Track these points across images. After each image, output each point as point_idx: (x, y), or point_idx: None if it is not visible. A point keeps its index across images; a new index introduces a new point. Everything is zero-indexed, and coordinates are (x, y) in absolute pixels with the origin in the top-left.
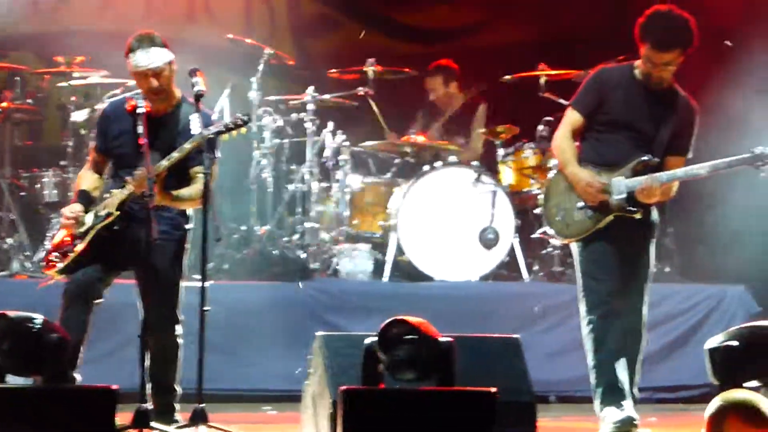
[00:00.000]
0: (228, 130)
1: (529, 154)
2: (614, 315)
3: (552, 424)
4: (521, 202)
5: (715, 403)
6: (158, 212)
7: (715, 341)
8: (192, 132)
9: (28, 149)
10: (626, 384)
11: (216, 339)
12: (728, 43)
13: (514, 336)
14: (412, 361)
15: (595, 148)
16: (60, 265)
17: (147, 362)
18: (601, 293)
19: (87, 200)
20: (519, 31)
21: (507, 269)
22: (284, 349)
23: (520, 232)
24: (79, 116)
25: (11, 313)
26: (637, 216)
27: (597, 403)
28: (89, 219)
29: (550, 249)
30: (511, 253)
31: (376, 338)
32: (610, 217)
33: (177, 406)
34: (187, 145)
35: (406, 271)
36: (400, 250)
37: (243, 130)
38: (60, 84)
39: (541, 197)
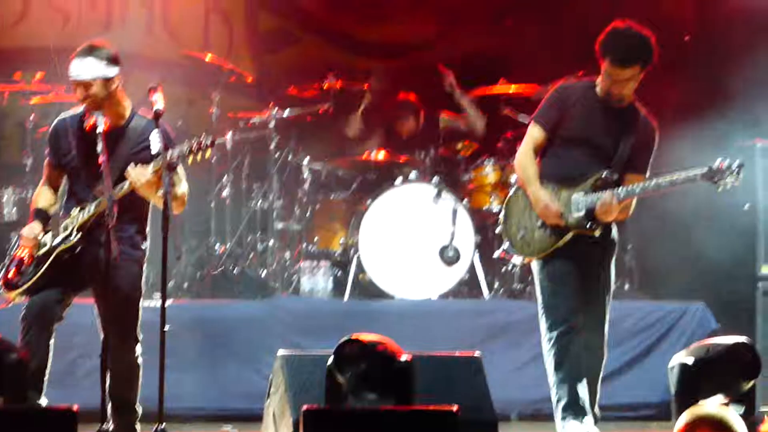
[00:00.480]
0: (191, 153)
1: (489, 171)
2: (575, 332)
3: None
4: (481, 219)
5: (685, 417)
6: (117, 231)
7: (676, 359)
8: (151, 150)
9: None
10: (587, 402)
11: (177, 358)
12: (686, 38)
13: (476, 354)
14: (368, 380)
15: (555, 164)
16: (20, 287)
17: (108, 381)
18: (562, 311)
19: (44, 219)
20: (476, 45)
21: (467, 286)
22: (245, 368)
23: (480, 249)
24: None
25: None
26: (597, 233)
27: (558, 419)
28: (48, 239)
29: (510, 266)
30: (472, 270)
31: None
32: (570, 235)
33: (138, 425)
34: (151, 169)
35: (366, 289)
36: (360, 268)
37: (207, 152)
38: (19, 101)
39: (501, 214)
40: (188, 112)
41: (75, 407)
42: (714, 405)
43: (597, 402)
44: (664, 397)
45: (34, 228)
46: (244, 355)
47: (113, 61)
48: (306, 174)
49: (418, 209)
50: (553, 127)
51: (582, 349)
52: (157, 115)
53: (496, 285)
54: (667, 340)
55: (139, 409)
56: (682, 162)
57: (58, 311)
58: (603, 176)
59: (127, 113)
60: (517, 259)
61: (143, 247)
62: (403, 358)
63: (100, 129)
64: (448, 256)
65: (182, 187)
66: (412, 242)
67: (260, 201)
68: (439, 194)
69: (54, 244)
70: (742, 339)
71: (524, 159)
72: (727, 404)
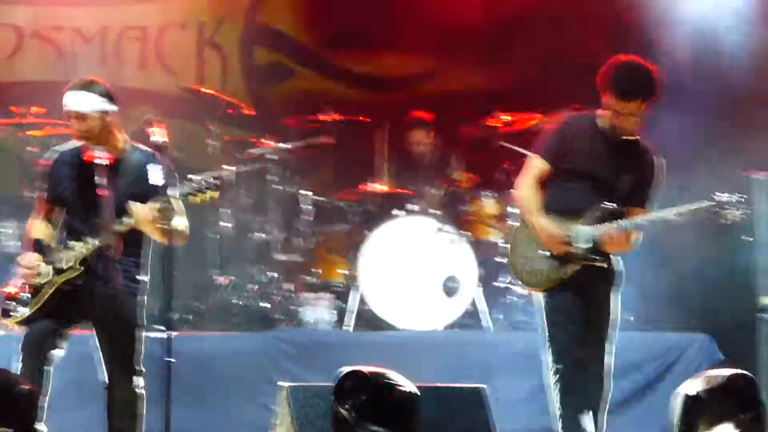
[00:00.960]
0: (197, 193)
1: (489, 203)
2: (580, 364)
3: None
4: (483, 251)
5: None
6: (116, 265)
7: (678, 391)
8: (150, 182)
9: None
10: None
11: (178, 390)
12: None
13: (479, 386)
14: (369, 412)
15: (556, 196)
16: (18, 317)
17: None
18: (566, 343)
19: (41, 249)
20: (471, 78)
21: (470, 318)
22: (248, 400)
23: (482, 281)
24: None
25: None
26: (603, 265)
27: None
28: (47, 270)
29: (512, 298)
30: (474, 302)
31: None
32: (576, 266)
33: None
34: (156, 204)
35: (369, 321)
36: (363, 300)
37: (215, 194)
38: (17, 134)
39: (503, 246)
40: (185, 144)
41: None
42: None
43: None
44: (669, 429)
45: (32, 257)
46: (247, 387)
47: (109, 96)
48: (307, 206)
49: (419, 241)
50: (556, 160)
51: (587, 382)
52: (158, 148)
53: (500, 317)
54: (672, 372)
55: None
56: (682, 195)
57: (56, 341)
58: (606, 208)
59: (123, 146)
60: (519, 291)
61: (142, 280)
62: (406, 389)
63: (99, 162)
64: (451, 288)
65: (182, 222)
66: (415, 274)
67: (261, 233)
68: (441, 227)
69: (54, 275)
70: (739, 371)
71: (527, 191)
72: None
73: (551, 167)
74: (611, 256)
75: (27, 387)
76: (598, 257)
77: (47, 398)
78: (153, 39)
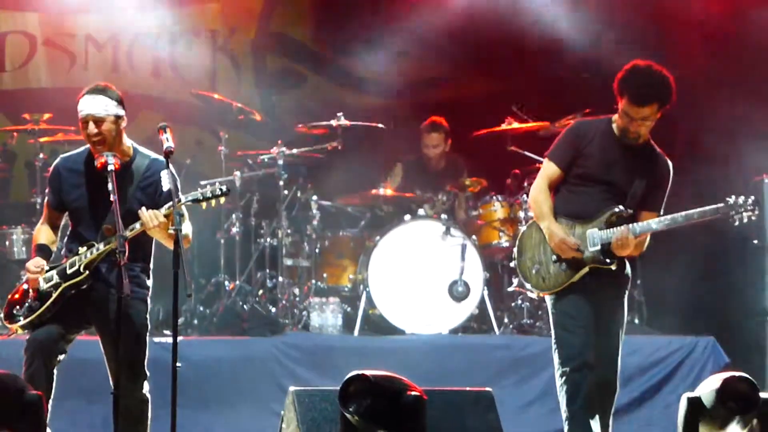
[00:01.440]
0: (206, 199)
1: (498, 207)
2: (588, 367)
3: None
4: (490, 255)
5: None
6: (124, 270)
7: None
8: (162, 187)
9: None
10: None
11: (186, 395)
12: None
13: (487, 389)
14: (375, 416)
15: (569, 200)
16: (23, 321)
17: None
18: (575, 345)
19: (47, 255)
20: (483, 84)
21: (477, 322)
22: (256, 405)
23: (489, 285)
24: None
25: None
26: (613, 267)
27: None
28: (54, 275)
29: (519, 301)
30: (481, 305)
31: None
32: (586, 270)
33: None
34: (163, 211)
35: (376, 325)
36: (370, 304)
37: (222, 199)
38: (28, 141)
39: (511, 249)
40: (197, 150)
41: None
42: None
43: None
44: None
45: (39, 262)
46: (255, 391)
47: (121, 102)
48: (315, 211)
49: (427, 245)
50: (569, 164)
51: (595, 384)
52: (167, 155)
53: (506, 320)
54: (677, 374)
55: None
56: (692, 199)
57: (61, 346)
58: (618, 212)
59: (130, 151)
60: (527, 295)
61: (148, 285)
62: (412, 393)
63: (110, 168)
64: (458, 292)
65: (186, 226)
66: (422, 278)
67: (269, 238)
68: (448, 230)
69: (60, 280)
70: (737, 374)
71: (539, 194)
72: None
73: (563, 172)
74: (621, 259)
75: (37, 393)
76: (608, 261)
77: (51, 402)
78: (165, 46)
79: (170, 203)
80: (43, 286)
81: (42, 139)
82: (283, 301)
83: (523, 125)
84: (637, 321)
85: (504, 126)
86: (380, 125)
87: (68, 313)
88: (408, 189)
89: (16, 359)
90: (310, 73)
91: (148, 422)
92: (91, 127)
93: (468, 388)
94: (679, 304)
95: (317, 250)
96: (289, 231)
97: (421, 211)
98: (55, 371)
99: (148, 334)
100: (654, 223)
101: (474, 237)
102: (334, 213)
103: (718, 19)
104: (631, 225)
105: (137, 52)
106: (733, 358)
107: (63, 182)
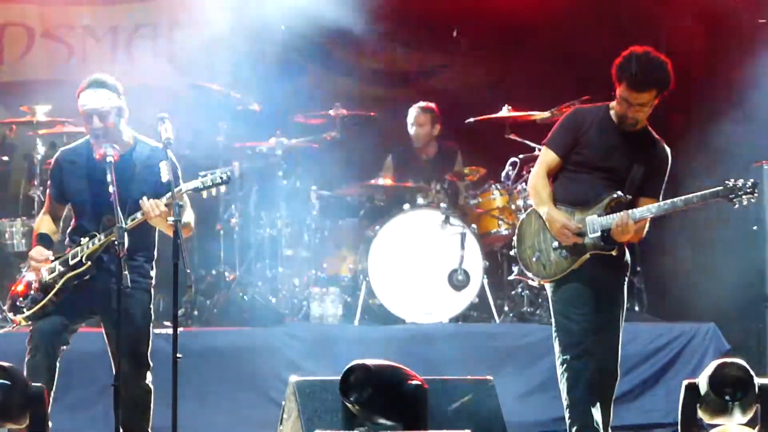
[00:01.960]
0: (206, 187)
1: (496, 196)
2: (589, 355)
3: None
4: (489, 243)
5: None
6: (127, 260)
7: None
8: (159, 177)
9: None
10: (601, 424)
11: (187, 386)
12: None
13: (488, 378)
14: (375, 405)
15: (567, 187)
16: (27, 312)
17: (119, 409)
18: (576, 333)
19: (48, 244)
20: (480, 73)
21: (477, 311)
22: (257, 395)
23: (489, 274)
24: None
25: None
26: (613, 253)
27: None
28: (56, 266)
29: (519, 290)
30: (481, 294)
31: None
32: (586, 256)
33: None
34: (164, 200)
35: (376, 314)
36: (370, 293)
37: (222, 188)
38: (27, 133)
39: (510, 238)
40: (195, 141)
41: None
42: (740, 427)
43: (610, 424)
44: (677, 418)
45: (42, 251)
46: (256, 381)
47: (122, 93)
48: (314, 201)
49: (426, 234)
50: (567, 151)
51: (595, 372)
52: (166, 146)
53: (506, 309)
54: (678, 361)
55: None
56: (693, 183)
57: (64, 337)
58: (617, 197)
59: (132, 141)
60: (526, 283)
61: (152, 275)
62: (413, 382)
63: (109, 159)
64: (458, 280)
65: (188, 215)
66: (422, 267)
67: (269, 228)
68: (447, 219)
69: (62, 270)
70: (730, 360)
71: (537, 181)
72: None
73: (561, 159)
74: (621, 245)
75: (39, 385)
76: (608, 246)
77: (53, 393)
78: (163, 37)
79: (169, 192)
80: (46, 277)
81: (41, 132)
82: (283, 292)
83: (522, 113)
84: (637, 308)
85: (501, 113)
86: (371, 114)
87: (72, 303)
88: (402, 180)
89: (20, 351)
90: (307, 63)
91: (151, 412)
92: (96, 122)
93: (469, 377)
94: (680, 291)
95: (317, 240)
96: (288, 221)
97: (420, 200)
98: (57, 363)
99: (151, 324)
100: (654, 207)
101: (473, 225)
102: (333, 203)
103: (716, 2)
104: (630, 210)
105: (135, 43)
106: (733, 345)
107: (64, 174)
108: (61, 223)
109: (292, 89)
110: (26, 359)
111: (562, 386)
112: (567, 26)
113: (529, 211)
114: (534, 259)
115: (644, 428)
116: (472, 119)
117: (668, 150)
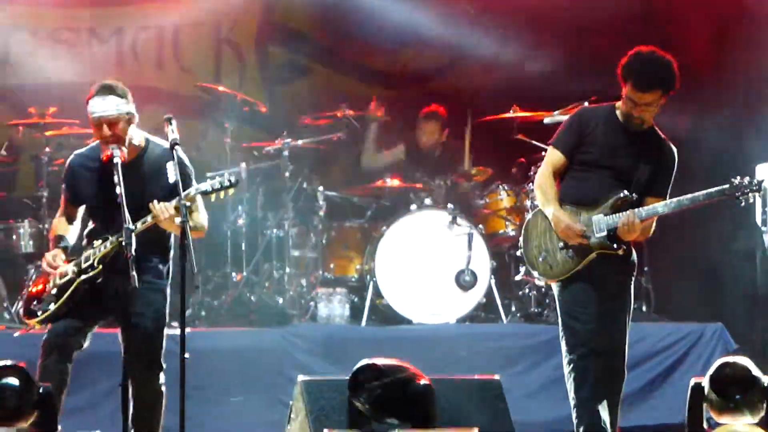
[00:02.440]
0: (215, 191)
1: (503, 196)
2: (595, 354)
3: None
4: (496, 244)
5: None
6: (141, 262)
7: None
8: (169, 180)
9: (3, 200)
10: (608, 424)
11: (195, 386)
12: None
13: (495, 377)
14: (385, 404)
15: (574, 186)
16: (41, 316)
17: (130, 410)
18: (582, 333)
19: (64, 247)
20: (487, 73)
21: (484, 311)
22: (264, 395)
23: (496, 274)
24: None
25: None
26: (620, 252)
27: None
28: (70, 269)
29: (527, 290)
30: (488, 294)
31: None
32: (593, 256)
33: None
34: (174, 203)
35: (383, 315)
36: (377, 294)
37: (231, 191)
38: (34, 135)
39: (519, 238)
40: (202, 142)
41: None
42: (744, 426)
43: (618, 424)
44: (683, 418)
45: (56, 255)
46: (263, 382)
47: (130, 98)
48: (321, 201)
49: (433, 235)
50: (572, 151)
51: (603, 371)
52: (173, 146)
53: (513, 309)
54: (686, 361)
55: None
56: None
57: (78, 339)
58: (623, 197)
59: (143, 144)
60: (534, 283)
61: (167, 276)
62: (421, 382)
63: (116, 160)
64: (465, 281)
65: (201, 216)
66: (429, 267)
67: (276, 229)
68: (454, 220)
69: (75, 274)
70: (731, 358)
71: (543, 181)
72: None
73: (567, 159)
74: (627, 244)
75: (48, 386)
76: (615, 246)
77: (64, 396)
78: (169, 38)
79: (180, 194)
80: (60, 280)
81: (48, 133)
82: (291, 292)
83: (529, 113)
84: (645, 308)
85: (509, 114)
86: (378, 114)
87: (86, 306)
88: (408, 174)
89: (34, 353)
90: (313, 64)
91: (162, 415)
92: (105, 130)
93: (476, 377)
94: (687, 291)
95: (324, 241)
96: (295, 222)
97: (427, 201)
98: (70, 366)
99: (165, 326)
100: (660, 206)
101: (480, 226)
102: (340, 203)
103: (724, 3)
104: (636, 209)
105: (141, 45)
106: (741, 345)
107: (77, 178)
108: (80, 224)
109: (298, 90)
110: (39, 361)
111: (569, 386)
112: (576, 25)
113: (535, 211)
114: (540, 259)
115: (652, 428)
116: (480, 120)
117: (675, 149)
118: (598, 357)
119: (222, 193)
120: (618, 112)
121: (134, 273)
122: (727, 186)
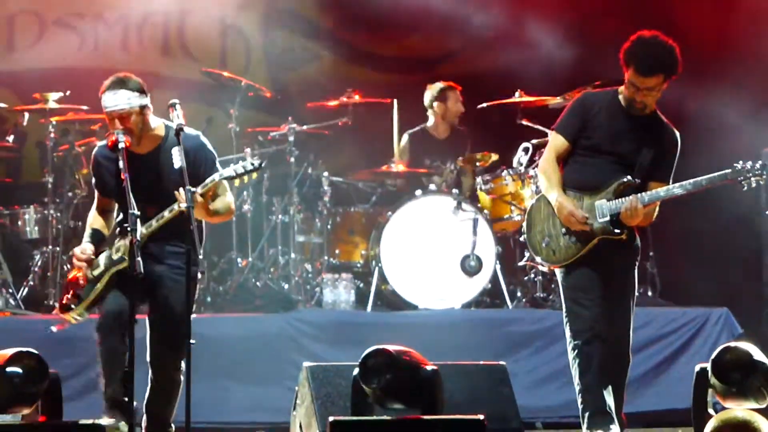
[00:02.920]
0: (239, 175)
1: (508, 181)
2: (600, 339)
3: None
4: (501, 229)
5: (713, 422)
6: (169, 247)
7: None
8: (174, 165)
9: (8, 186)
10: (613, 408)
11: (201, 372)
12: None
13: (501, 363)
14: (393, 390)
15: (577, 172)
16: (75, 310)
17: (146, 394)
18: (586, 318)
19: (98, 239)
20: (493, 59)
21: (490, 296)
22: (270, 381)
23: (501, 259)
24: None
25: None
26: (623, 237)
27: (584, 427)
28: (102, 260)
29: (532, 275)
30: (494, 280)
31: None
32: (596, 241)
33: None
34: (200, 190)
35: (389, 300)
36: (383, 279)
37: (254, 175)
38: (39, 121)
39: (522, 223)
40: (207, 128)
41: (104, 422)
42: (744, 411)
43: (623, 409)
44: (689, 403)
45: (85, 249)
46: (269, 368)
47: (143, 89)
48: (326, 187)
49: (438, 220)
50: (575, 136)
51: (607, 356)
52: (178, 132)
53: (519, 294)
54: (691, 346)
55: (173, 427)
56: (703, 168)
57: (131, 314)
58: (626, 182)
59: (163, 133)
60: (540, 268)
61: (197, 263)
62: (428, 368)
63: (121, 146)
64: (470, 266)
65: (229, 198)
66: (434, 253)
67: (281, 215)
68: (459, 205)
69: (107, 265)
70: (733, 344)
71: (547, 167)
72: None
73: (570, 144)
74: (630, 229)
75: (54, 371)
76: (617, 231)
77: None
78: (175, 24)
79: (206, 182)
80: (91, 273)
81: (53, 119)
82: (296, 278)
83: (533, 98)
84: (650, 293)
85: (513, 99)
86: (389, 101)
87: (120, 295)
88: (416, 160)
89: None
90: (319, 50)
91: (177, 401)
92: (117, 124)
93: (482, 362)
94: (693, 276)
95: (329, 227)
96: (300, 207)
97: (432, 186)
98: (134, 340)
99: (191, 312)
100: (663, 191)
101: (486, 211)
102: (346, 189)
103: None
104: (639, 194)
105: (146, 30)
106: (747, 329)
107: (102, 170)
108: (111, 216)
109: (303, 75)
110: (98, 346)
111: (574, 371)
112: (579, 10)
113: (538, 196)
114: (543, 245)
115: (657, 413)
116: (484, 104)
117: (677, 134)
118: (603, 342)
119: (246, 177)
120: (621, 97)
121: (139, 259)
122: (729, 170)
